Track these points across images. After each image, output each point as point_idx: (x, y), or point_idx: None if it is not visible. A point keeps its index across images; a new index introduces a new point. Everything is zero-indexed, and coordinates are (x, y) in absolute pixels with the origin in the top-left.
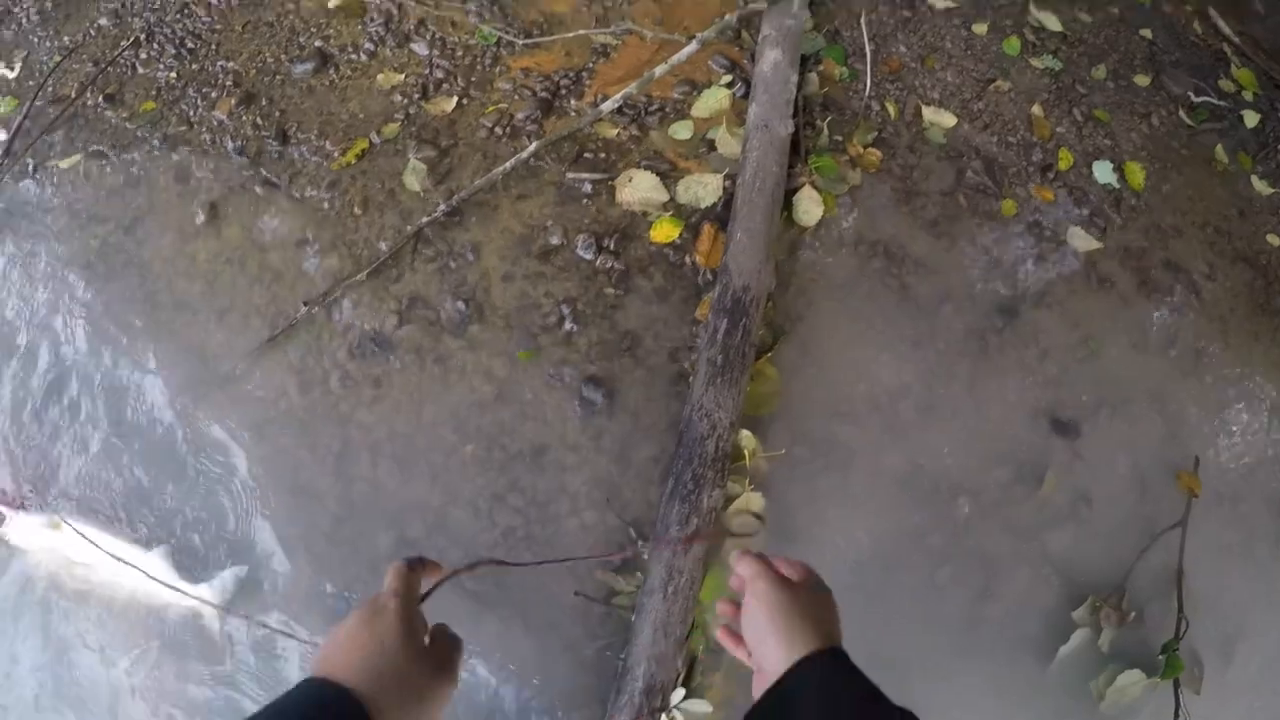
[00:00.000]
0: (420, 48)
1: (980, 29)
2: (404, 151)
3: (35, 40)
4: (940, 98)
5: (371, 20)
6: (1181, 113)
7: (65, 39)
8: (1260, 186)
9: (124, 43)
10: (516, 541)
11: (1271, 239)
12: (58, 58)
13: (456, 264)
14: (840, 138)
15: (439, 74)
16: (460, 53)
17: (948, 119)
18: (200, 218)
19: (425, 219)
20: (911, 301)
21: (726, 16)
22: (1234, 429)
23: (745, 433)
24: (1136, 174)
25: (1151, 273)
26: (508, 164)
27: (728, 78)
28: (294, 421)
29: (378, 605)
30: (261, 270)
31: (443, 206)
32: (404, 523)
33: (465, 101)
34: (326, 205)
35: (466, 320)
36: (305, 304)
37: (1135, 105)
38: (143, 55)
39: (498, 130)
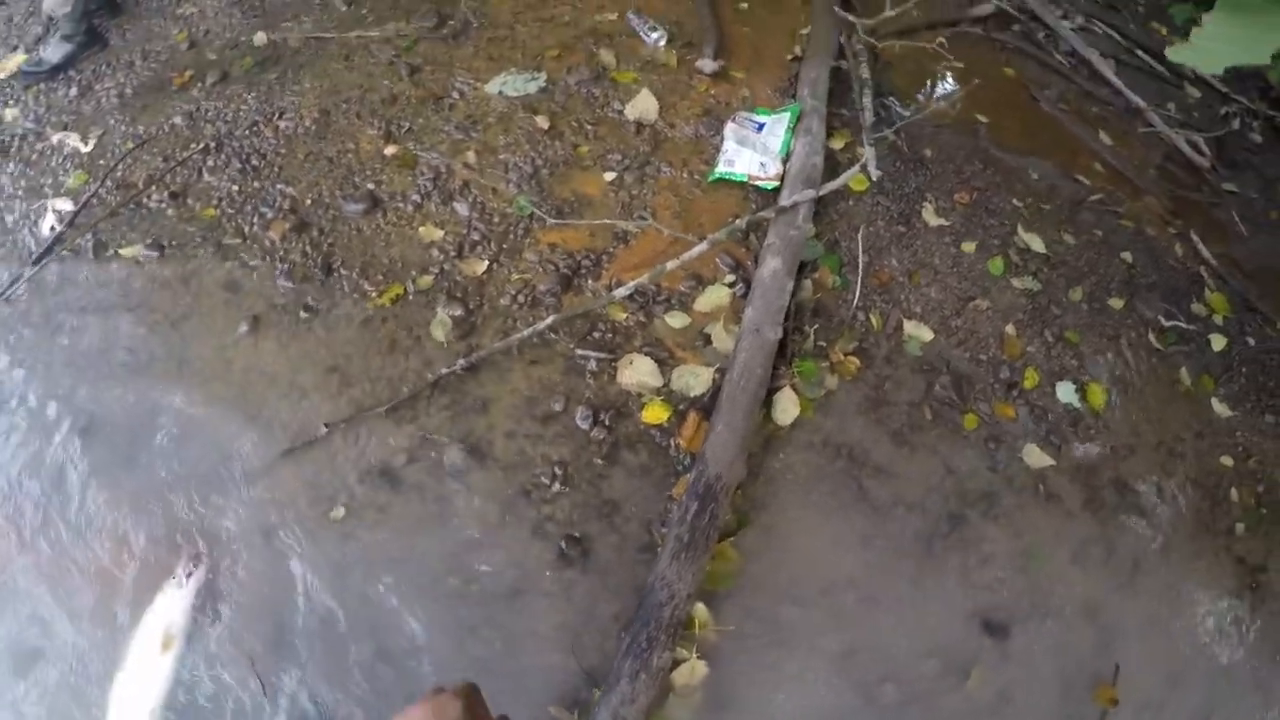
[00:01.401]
0: (462, 208)
1: (969, 247)
2: (434, 304)
3: (112, 122)
4: (922, 312)
5: (421, 174)
6: (1151, 335)
7: (140, 128)
8: (1220, 409)
9: (195, 146)
10: (483, 671)
11: (1225, 460)
12: (130, 144)
13: (467, 415)
14: (824, 343)
15: (475, 236)
16: (497, 219)
17: (926, 333)
18: (243, 328)
19: (445, 370)
20: (868, 502)
21: (737, 220)
22: (1163, 642)
23: (700, 605)
24: (1097, 395)
25: (1100, 491)
26: (525, 333)
27: (730, 277)
28: (300, 529)
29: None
30: (291, 387)
31: (462, 362)
32: (385, 635)
33: (495, 266)
34: (358, 340)
35: (468, 468)
36: (326, 425)
37: (1106, 327)
38: (210, 163)
39: (520, 298)
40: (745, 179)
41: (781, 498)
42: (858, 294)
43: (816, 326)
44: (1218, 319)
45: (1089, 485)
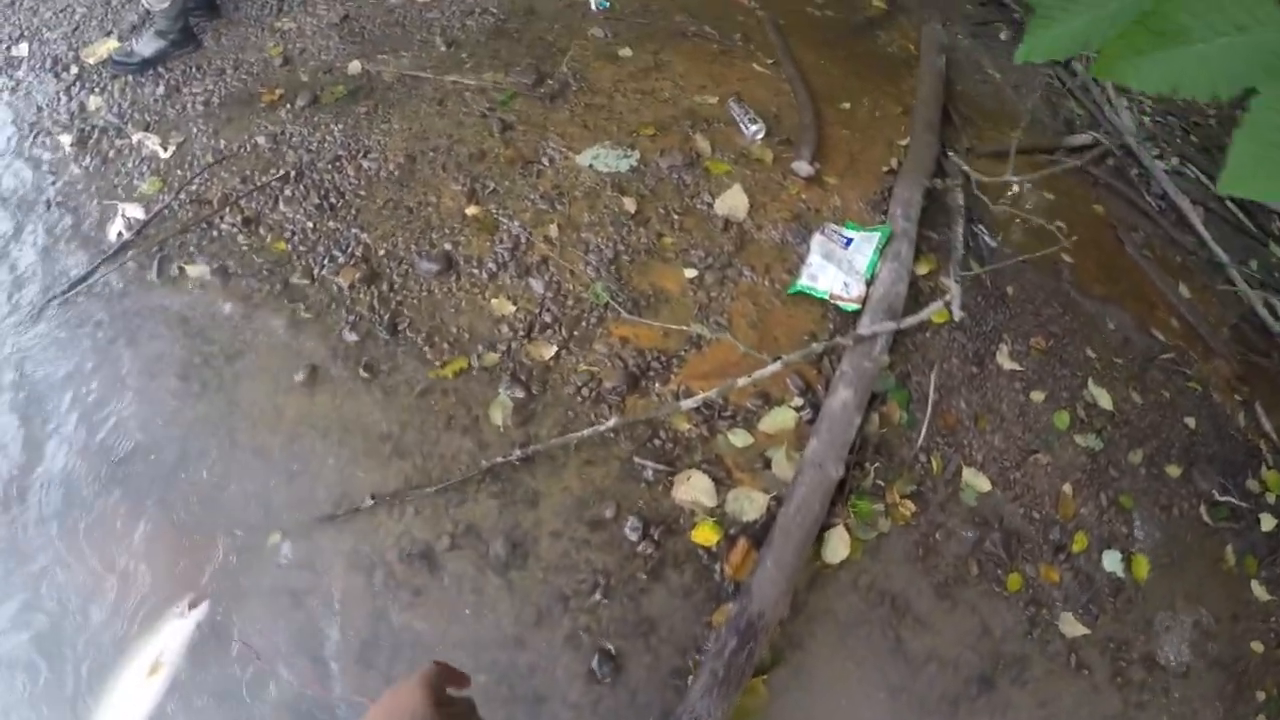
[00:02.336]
0: (537, 285)
1: (1038, 397)
2: (497, 383)
3: (194, 131)
4: (983, 460)
5: (501, 241)
6: (1203, 508)
7: (222, 142)
8: (1259, 592)
9: (275, 172)
10: None
11: (1256, 646)
12: (210, 158)
13: (516, 507)
14: (883, 482)
15: (546, 318)
16: (570, 303)
17: (984, 484)
18: (300, 376)
19: (500, 459)
20: (902, 654)
21: (813, 345)
22: None
23: None
24: (1142, 566)
25: (1128, 667)
26: (585, 432)
27: (799, 400)
28: (331, 600)
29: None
30: (341, 447)
31: (518, 452)
32: None
33: (563, 354)
34: (415, 410)
35: (510, 563)
36: (372, 497)
37: (1160, 495)
38: (288, 192)
39: (585, 392)
40: (827, 296)
41: (818, 639)
42: (923, 434)
43: (878, 465)
44: (1270, 497)
45: (1119, 659)
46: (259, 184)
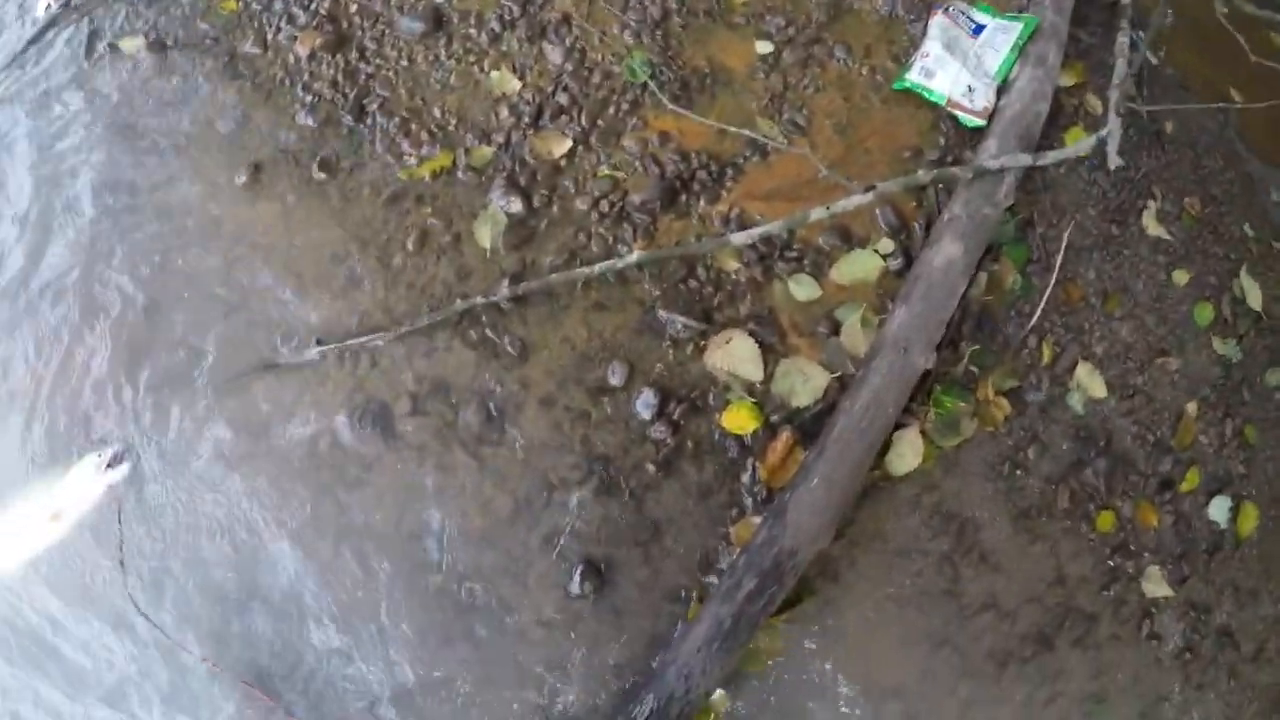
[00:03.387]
0: (554, 53)
1: (1181, 278)
2: (488, 188)
3: None
4: (1103, 355)
5: None
6: None
7: None
8: None
9: None
10: (450, 693)
11: None
12: None
13: (497, 362)
14: (976, 370)
15: (562, 99)
16: (597, 79)
17: (1098, 387)
18: (241, 177)
19: (481, 298)
20: (955, 599)
21: (918, 173)
22: None
23: (720, 691)
24: (1250, 518)
25: (1200, 641)
26: (596, 268)
27: (888, 244)
28: (257, 461)
29: None
30: (285, 271)
31: (505, 292)
32: (349, 623)
33: (580, 150)
34: (379, 222)
35: (484, 436)
36: (319, 343)
37: None
38: None
39: (604, 206)
40: (943, 102)
41: (859, 568)
42: (1039, 309)
43: (975, 347)
44: None
45: (1192, 633)
46: None
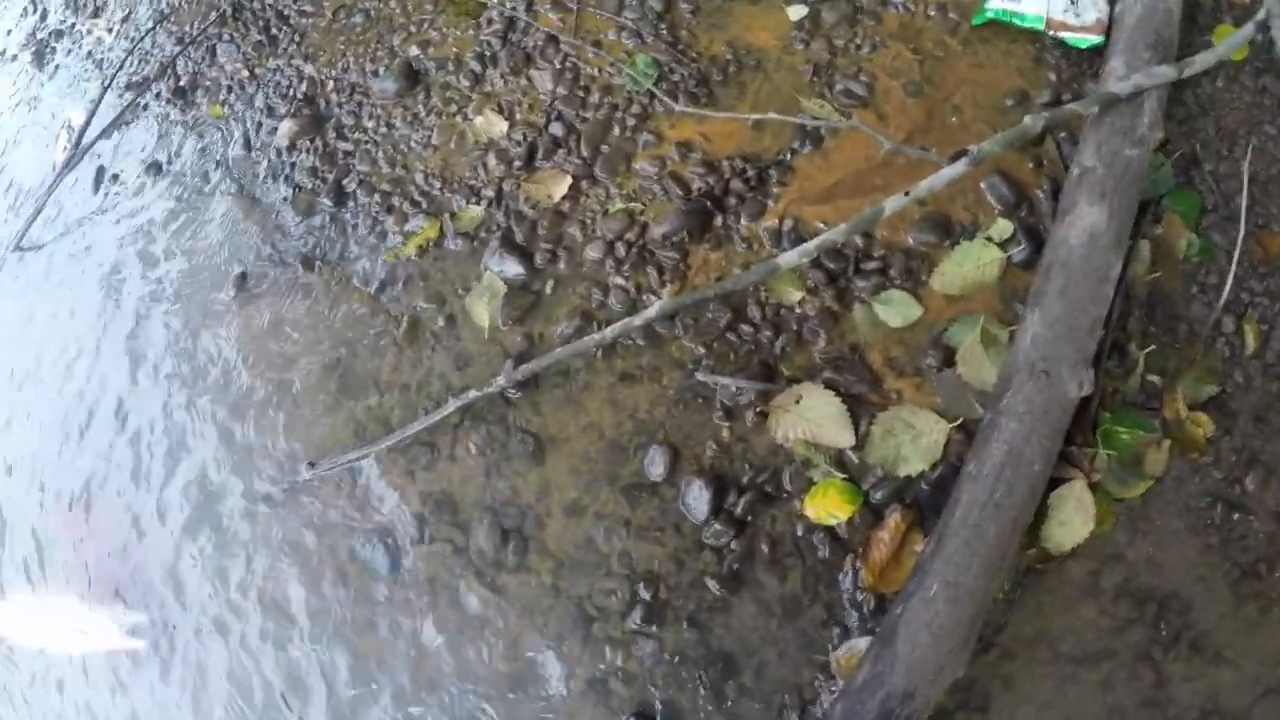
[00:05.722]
0: (543, 79)
1: None
2: (480, 255)
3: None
4: None
5: (487, 23)
6: None
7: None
8: None
9: (211, 16)
10: None
11: None
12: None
13: (509, 465)
14: (1156, 379)
15: (556, 130)
16: (595, 97)
17: None
18: (230, 291)
19: (475, 391)
20: (1160, 711)
21: (1026, 119)
22: None
23: None
24: None
25: None
26: (608, 331)
27: (1005, 227)
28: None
29: None
30: (279, 392)
31: (502, 380)
32: None
33: (583, 185)
34: (368, 317)
35: (502, 561)
36: (310, 466)
37: None
38: (226, 35)
39: (619, 249)
40: (1041, 25)
41: (1019, 689)
42: (1231, 276)
43: (1151, 348)
44: None
45: None
46: (195, 36)
